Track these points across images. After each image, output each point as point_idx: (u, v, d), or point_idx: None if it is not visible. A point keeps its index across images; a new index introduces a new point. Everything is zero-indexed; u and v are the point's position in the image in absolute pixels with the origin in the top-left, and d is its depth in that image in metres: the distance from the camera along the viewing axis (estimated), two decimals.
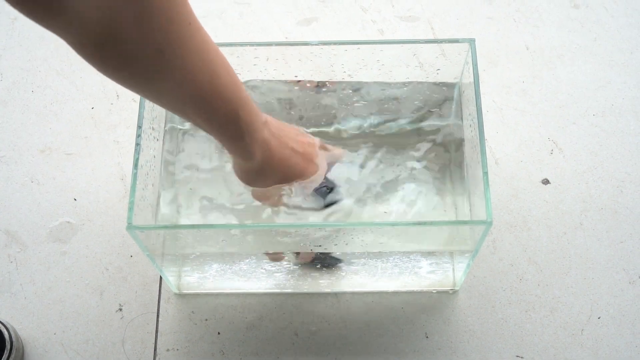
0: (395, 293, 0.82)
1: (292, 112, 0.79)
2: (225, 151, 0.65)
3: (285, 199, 0.71)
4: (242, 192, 0.74)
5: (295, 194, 0.71)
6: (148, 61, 0.49)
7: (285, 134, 0.67)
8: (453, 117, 0.78)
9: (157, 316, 0.81)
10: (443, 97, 0.78)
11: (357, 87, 0.78)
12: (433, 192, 0.77)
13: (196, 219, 0.76)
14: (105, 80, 0.53)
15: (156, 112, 0.72)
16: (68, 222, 0.86)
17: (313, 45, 0.72)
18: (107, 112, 0.93)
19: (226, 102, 0.57)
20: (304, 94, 0.78)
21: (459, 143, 0.77)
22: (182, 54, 0.51)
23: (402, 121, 0.79)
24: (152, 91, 0.54)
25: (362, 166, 0.78)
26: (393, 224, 0.67)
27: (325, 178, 0.72)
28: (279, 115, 0.79)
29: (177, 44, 0.50)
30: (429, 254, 0.75)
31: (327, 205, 0.72)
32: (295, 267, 0.78)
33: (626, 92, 0.93)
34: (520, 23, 0.99)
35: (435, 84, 0.77)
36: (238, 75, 0.75)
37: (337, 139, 0.78)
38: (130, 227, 0.63)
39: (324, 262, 0.76)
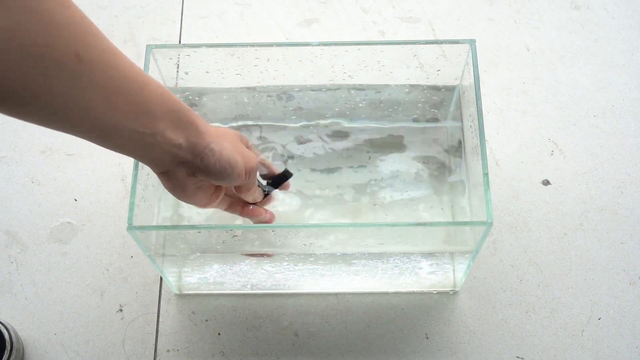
0: (396, 294, 0.82)
1: (290, 106, 0.79)
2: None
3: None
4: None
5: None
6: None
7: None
8: (453, 118, 0.78)
9: (158, 317, 0.81)
10: (443, 98, 0.78)
11: (358, 88, 0.78)
12: (433, 193, 0.77)
13: (197, 220, 0.76)
14: None
15: None
16: (68, 222, 0.86)
17: (314, 46, 0.72)
18: None
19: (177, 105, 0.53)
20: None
21: (459, 144, 0.77)
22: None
23: (402, 122, 0.79)
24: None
25: (362, 166, 0.78)
26: (393, 225, 0.67)
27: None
28: (277, 108, 0.79)
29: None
30: (430, 254, 0.75)
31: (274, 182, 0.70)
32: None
33: (627, 93, 0.93)
34: (520, 24, 0.99)
35: (435, 85, 0.77)
36: (238, 75, 0.76)
37: (340, 139, 0.78)
38: (130, 227, 0.63)
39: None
